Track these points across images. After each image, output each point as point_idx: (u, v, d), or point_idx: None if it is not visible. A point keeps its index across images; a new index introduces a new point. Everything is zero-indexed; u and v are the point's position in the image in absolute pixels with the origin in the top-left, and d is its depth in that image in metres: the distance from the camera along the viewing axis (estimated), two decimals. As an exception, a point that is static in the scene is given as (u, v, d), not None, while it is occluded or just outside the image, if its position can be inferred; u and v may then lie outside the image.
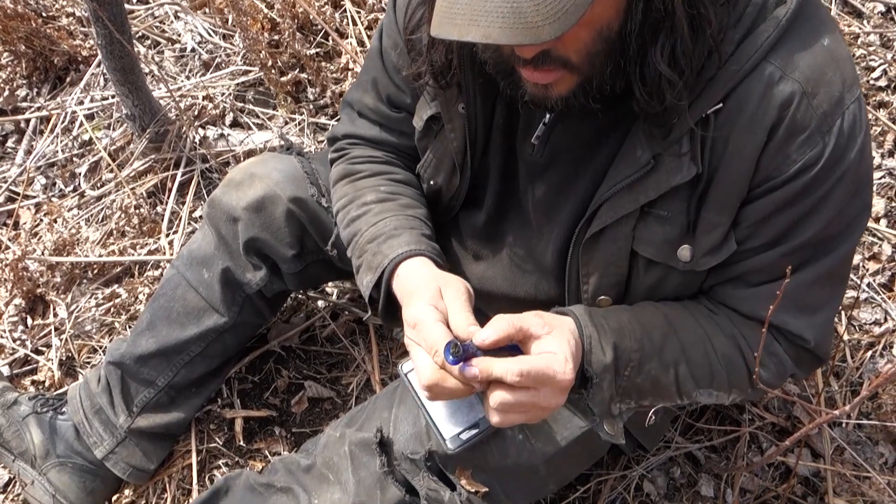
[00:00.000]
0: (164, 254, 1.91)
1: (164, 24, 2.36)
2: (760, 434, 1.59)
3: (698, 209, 1.00)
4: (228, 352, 1.57)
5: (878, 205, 1.85)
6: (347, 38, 2.21)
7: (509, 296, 1.23)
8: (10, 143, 2.21)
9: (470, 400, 1.06)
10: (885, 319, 1.72)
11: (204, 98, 2.12)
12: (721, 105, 0.93)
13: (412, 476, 1.22)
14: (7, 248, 1.93)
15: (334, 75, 2.16)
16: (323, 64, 2.17)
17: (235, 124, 2.13)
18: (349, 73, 2.14)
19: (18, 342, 1.81)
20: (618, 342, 1.01)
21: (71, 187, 2.09)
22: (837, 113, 0.92)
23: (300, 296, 1.81)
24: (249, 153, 2.03)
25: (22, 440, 1.55)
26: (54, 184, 2.11)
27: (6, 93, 2.22)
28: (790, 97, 0.91)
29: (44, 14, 2.32)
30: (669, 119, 0.93)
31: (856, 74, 0.95)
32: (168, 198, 2.00)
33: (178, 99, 2.07)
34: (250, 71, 2.19)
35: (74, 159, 2.13)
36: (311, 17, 2.21)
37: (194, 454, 1.63)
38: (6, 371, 1.78)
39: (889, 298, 1.74)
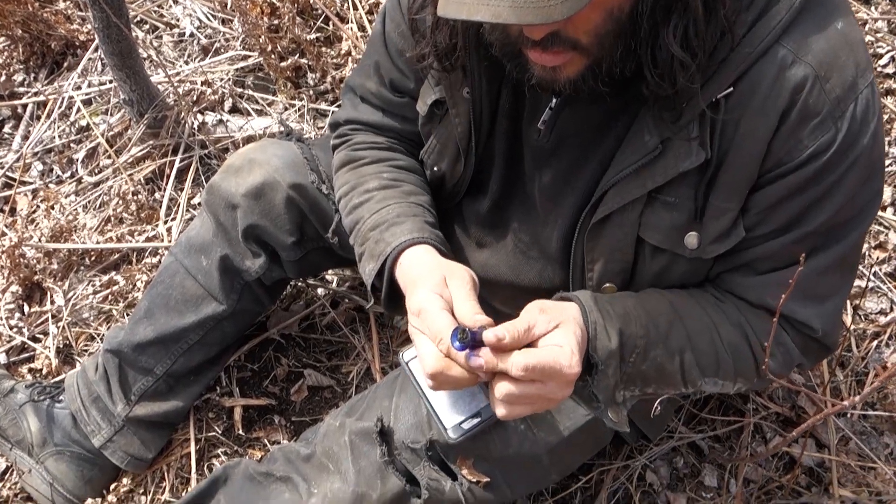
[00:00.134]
0: (163, 241, 1.89)
1: (163, 8, 2.33)
2: (765, 424, 1.58)
3: (706, 195, 0.98)
4: (227, 340, 1.56)
5: (886, 193, 1.83)
6: (348, 22, 2.19)
7: (513, 283, 1.21)
8: (6, 129, 2.19)
9: (472, 389, 1.04)
10: (891, 309, 1.71)
11: (203, 83, 2.10)
12: (732, 88, 0.91)
13: (413, 466, 1.22)
14: (4, 234, 1.91)
15: (335, 60, 2.14)
16: (323, 49, 2.15)
17: (234, 110, 2.11)
18: (350, 59, 2.12)
19: (15, 330, 1.80)
20: (623, 328, 0.99)
21: (68, 173, 2.07)
22: (850, 98, 0.91)
23: (300, 283, 1.80)
24: (249, 139, 2.01)
25: (19, 428, 1.54)
26: (51, 170, 2.09)
27: (3, 78, 2.20)
28: (803, 81, 0.89)
29: (40, -2, 2.30)
30: (680, 102, 0.91)
31: (869, 59, 0.94)
32: (166, 184, 1.98)
33: (176, 84, 2.05)
34: (249, 56, 2.17)
35: (72, 145, 2.11)
36: (311, 1, 2.18)
37: (193, 443, 1.62)
38: (3, 359, 1.76)
39: (895, 288, 1.72)
